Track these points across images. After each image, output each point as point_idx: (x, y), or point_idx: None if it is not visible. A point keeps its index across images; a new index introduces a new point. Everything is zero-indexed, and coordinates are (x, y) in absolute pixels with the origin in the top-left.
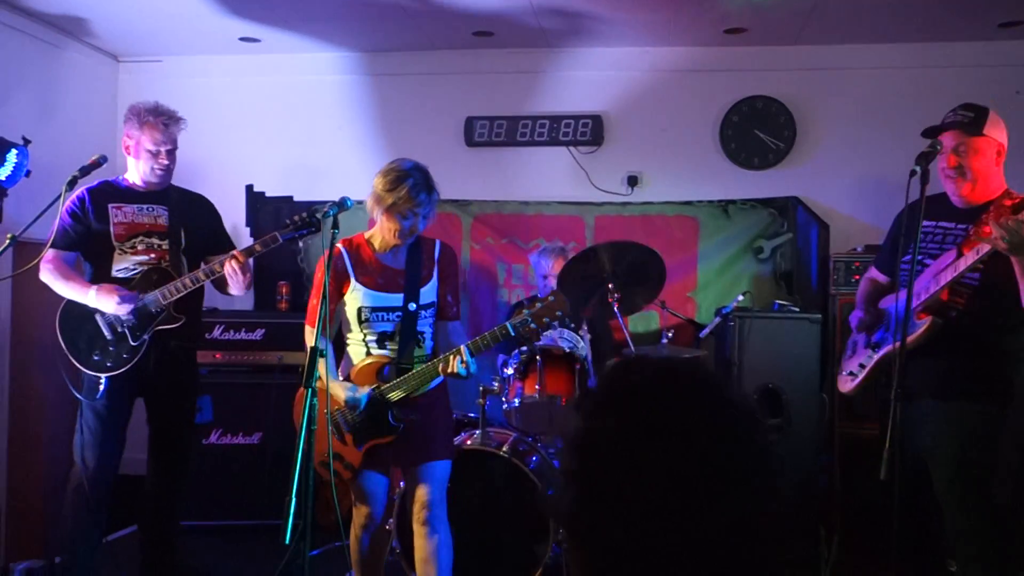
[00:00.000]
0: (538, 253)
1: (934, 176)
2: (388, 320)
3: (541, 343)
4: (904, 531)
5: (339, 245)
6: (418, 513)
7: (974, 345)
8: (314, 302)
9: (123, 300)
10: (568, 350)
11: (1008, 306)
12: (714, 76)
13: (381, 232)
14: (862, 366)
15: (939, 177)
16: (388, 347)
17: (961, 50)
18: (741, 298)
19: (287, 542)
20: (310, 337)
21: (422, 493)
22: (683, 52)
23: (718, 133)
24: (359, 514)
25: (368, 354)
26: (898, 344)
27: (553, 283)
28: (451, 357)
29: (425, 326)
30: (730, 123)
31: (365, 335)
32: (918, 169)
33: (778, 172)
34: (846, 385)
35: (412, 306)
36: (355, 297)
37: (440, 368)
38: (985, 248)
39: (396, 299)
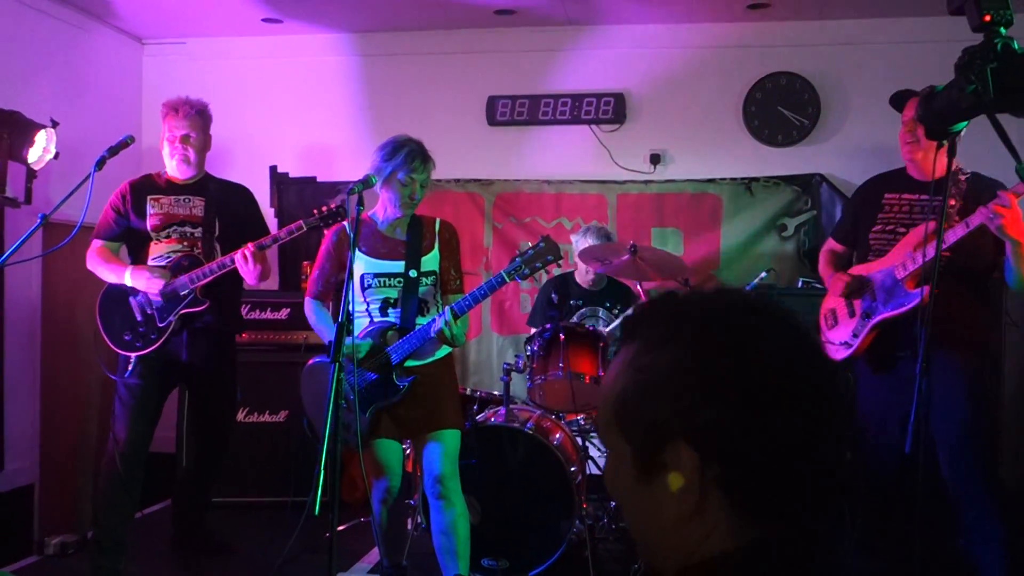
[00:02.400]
0: (579, 234)
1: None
2: (390, 286)
3: (566, 323)
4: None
5: (345, 222)
6: (431, 487)
7: (963, 304)
8: (315, 273)
9: (153, 277)
10: (591, 328)
11: (984, 272)
12: (737, 52)
13: (383, 206)
14: (855, 335)
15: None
16: (391, 314)
17: None
18: (764, 275)
19: (315, 513)
20: (308, 307)
21: (434, 466)
22: (706, 28)
23: (741, 110)
24: (375, 486)
25: (371, 322)
26: (897, 312)
27: (593, 278)
28: (438, 317)
29: (428, 295)
30: (753, 100)
31: (369, 303)
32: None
33: (802, 149)
34: (840, 354)
35: (413, 272)
36: (358, 266)
37: (432, 328)
38: (976, 221)
39: (398, 266)
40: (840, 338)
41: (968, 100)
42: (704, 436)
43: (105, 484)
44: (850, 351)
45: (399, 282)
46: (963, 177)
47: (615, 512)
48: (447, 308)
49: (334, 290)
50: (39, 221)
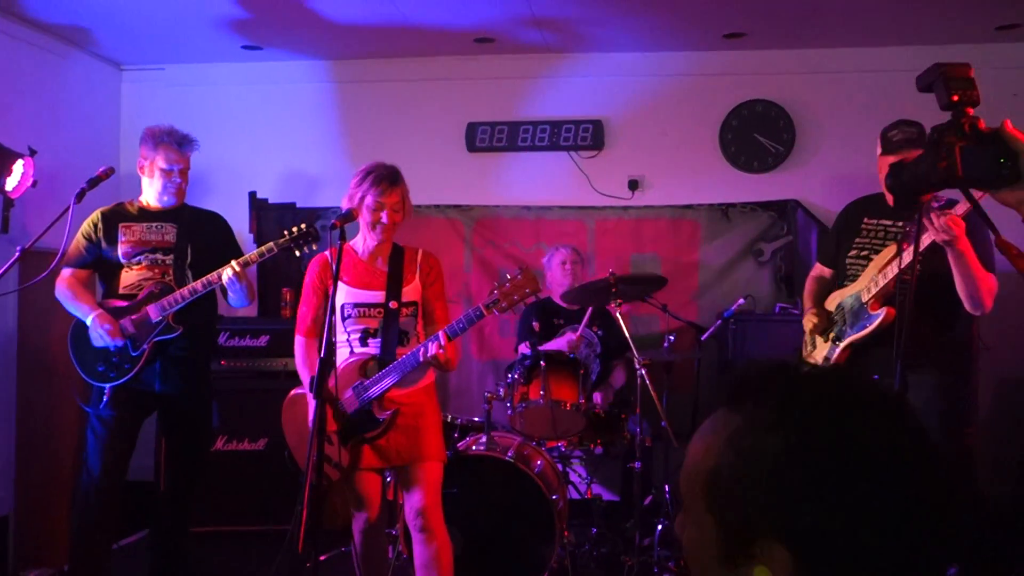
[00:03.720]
0: (547, 254)
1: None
2: (369, 316)
3: (544, 348)
4: None
5: (327, 253)
6: (413, 520)
7: (928, 325)
8: (303, 309)
9: (111, 334)
10: (571, 356)
11: (946, 294)
12: (714, 80)
13: (362, 236)
14: (827, 359)
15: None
16: (371, 344)
17: (959, 53)
18: (743, 302)
19: (299, 551)
20: (298, 346)
21: (415, 499)
22: (683, 57)
23: (718, 137)
24: (356, 518)
25: (352, 353)
26: (861, 334)
27: (570, 268)
28: (430, 343)
29: (409, 326)
30: (730, 127)
31: (349, 333)
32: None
33: (778, 175)
34: None
35: (393, 303)
36: (339, 296)
37: (421, 354)
38: (925, 242)
39: (377, 296)
40: (815, 361)
41: (939, 175)
42: (801, 539)
43: (79, 518)
44: None
45: (379, 312)
46: (936, 205)
47: (596, 539)
48: (440, 332)
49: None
50: (17, 253)
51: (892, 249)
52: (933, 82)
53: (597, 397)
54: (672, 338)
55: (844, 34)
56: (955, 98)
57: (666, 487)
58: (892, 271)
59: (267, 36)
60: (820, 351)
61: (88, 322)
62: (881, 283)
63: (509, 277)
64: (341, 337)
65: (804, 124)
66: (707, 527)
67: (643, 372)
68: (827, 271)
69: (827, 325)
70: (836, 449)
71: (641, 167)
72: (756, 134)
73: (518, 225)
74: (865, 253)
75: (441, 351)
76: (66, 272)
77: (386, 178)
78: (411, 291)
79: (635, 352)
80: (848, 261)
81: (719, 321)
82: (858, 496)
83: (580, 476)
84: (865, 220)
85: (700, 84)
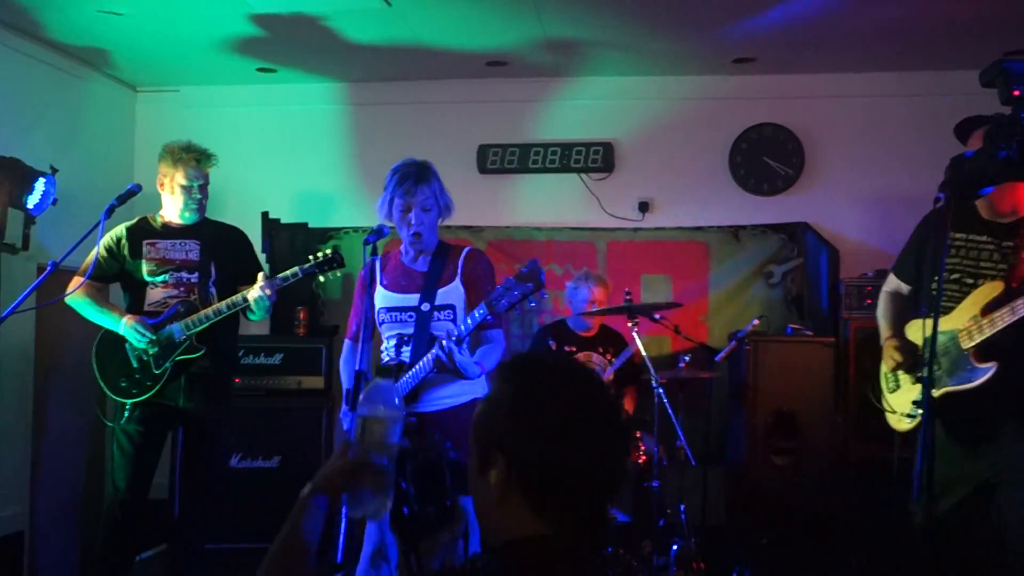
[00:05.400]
0: (574, 282)
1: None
2: (402, 321)
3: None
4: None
5: (377, 259)
6: None
7: None
8: (351, 314)
9: (145, 334)
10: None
11: None
12: (723, 104)
13: (401, 237)
14: (916, 403)
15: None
16: (403, 353)
17: (965, 77)
18: (756, 322)
19: (339, 561)
20: (343, 349)
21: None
22: (692, 81)
23: (727, 160)
24: (367, 540)
25: (383, 362)
26: (962, 387)
27: (596, 306)
28: (436, 346)
29: (444, 330)
30: (739, 150)
31: (386, 340)
32: (941, 197)
33: (787, 198)
34: (901, 425)
35: (426, 306)
36: (377, 301)
37: (431, 357)
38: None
39: (412, 299)
40: (902, 407)
41: (997, 167)
42: (510, 451)
43: (106, 532)
44: (913, 422)
45: (411, 317)
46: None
47: (610, 559)
48: (447, 332)
49: (373, 328)
50: (50, 268)
51: (998, 287)
52: (995, 77)
53: None
54: (687, 358)
55: (852, 59)
56: (1016, 93)
57: (681, 507)
58: (1004, 319)
59: (281, 59)
60: (907, 395)
61: (120, 327)
62: (988, 332)
63: (515, 274)
64: (383, 345)
65: (813, 147)
66: (472, 452)
67: (661, 391)
68: (905, 287)
69: (913, 362)
70: (530, 396)
71: (651, 189)
72: (765, 157)
73: (529, 246)
74: (957, 275)
75: (444, 354)
76: (81, 282)
77: (411, 176)
78: (449, 293)
79: (652, 371)
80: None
81: (733, 342)
82: (540, 426)
83: None
84: (954, 235)
85: (710, 108)
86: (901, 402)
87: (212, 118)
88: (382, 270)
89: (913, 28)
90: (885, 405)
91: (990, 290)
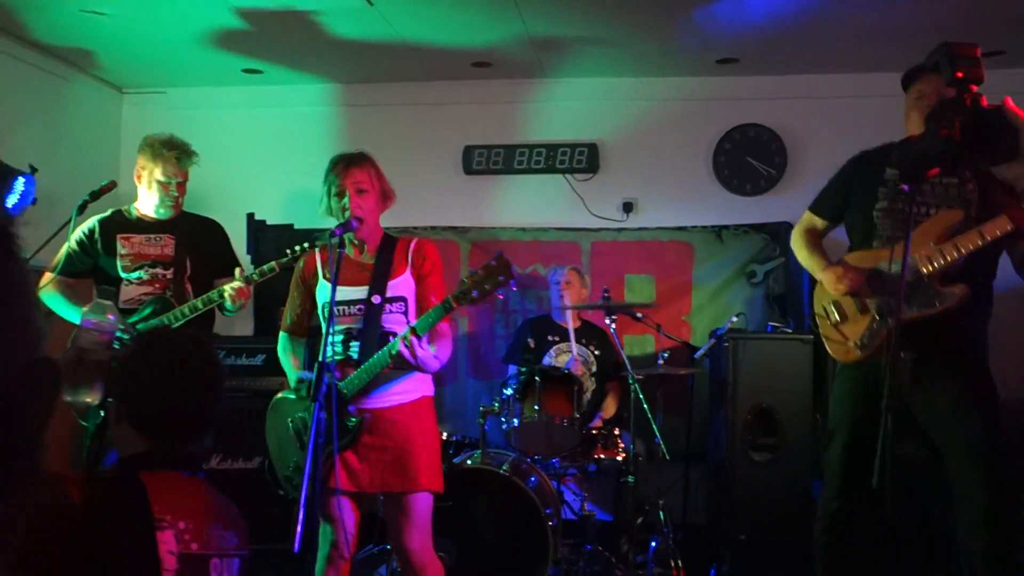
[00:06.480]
0: (550, 275)
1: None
2: (350, 315)
3: (540, 365)
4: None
5: (315, 252)
6: (399, 556)
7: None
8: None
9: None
10: (566, 371)
11: (987, 279)
12: (707, 105)
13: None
14: (873, 335)
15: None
16: (352, 348)
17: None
18: (735, 319)
19: (296, 550)
20: (279, 342)
21: (399, 537)
22: (676, 82)
23: (711, 160)
24: (322, 540)
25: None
26: (926, 313)
27: (562, 289)
28: (398, 339)
29: (396, 324)
30: (723, 150)
31: (333, 337)
32: (906, 188)
33: (770, 198)
34: (851, 355)
35: (376, 299)
36: (319, 295)
37: (389, 355)
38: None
39: (361, 292)
40: (853, 337)
41: (939, 146)
42: (122, 393)
43: None
44: (866, 352)
45: (360, 310)
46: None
47: (590, 556)
48: (408, 326)
49: (308, 322)
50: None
51: (956, 214)
52: (939, 60)
53: (597, 422)
54: (666, 355)
55: (835, 60)
56: (959, 75)
57: (660, 503)
58: (972, 243)
59: (266, 54)
60: (859, 325)
61: None
62: (952, 256)
63: (482, 265)
64: (328, 341)
65: (796, 148)
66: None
67: (637, 387)
68: (822, 223)
69: (876, 282)
70: (138, 356)
71: (635, 190)
72: (749, 157)
73: (514, 247)
74: (900, 206)
75: (406, 349)
76: (53, 277)
77: (343, 159)
78: (400, 284)
79: (628, 367)
80: (878, 216)
81: (712, 339)
82: (138, 376)
83: (575, 494)
84: (889, 171)
85: (693, 109)
86: (852, 331)
87: (198, 120)
88: (322, 263)
89: (896, 29)
90: (832, 335)
91: (948, 218)
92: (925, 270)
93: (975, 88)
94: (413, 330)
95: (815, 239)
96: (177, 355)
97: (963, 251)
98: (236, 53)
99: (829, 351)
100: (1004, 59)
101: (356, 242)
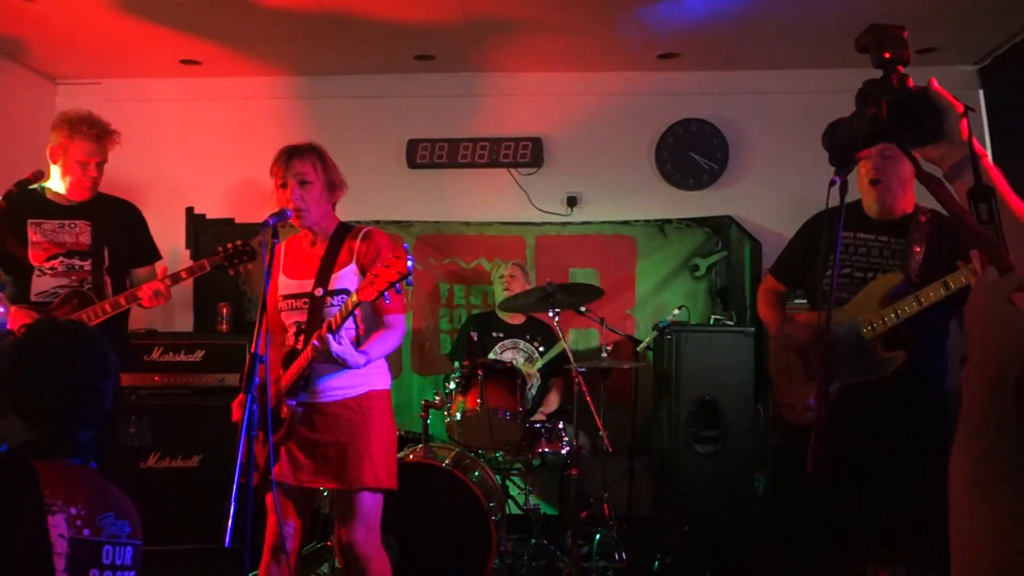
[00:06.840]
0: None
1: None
2: (297, 309)
3: (485, 360)
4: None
5: (281, 243)
6: (342, 551)
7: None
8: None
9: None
10: (509, 365)
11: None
12: (649, 100)
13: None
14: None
15: (858, 186)
16: (300, 341)
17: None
18: (677, 312)
19: (227, 545)
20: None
21: (344, 532)
22: (618, 76)
23: (654, 155)
24: (269, 531)
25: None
26: (866, 378)
27: (506, 283)
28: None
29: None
30: (665, 145)
31: (287, 329)
32: (836, 180)
33: (712, 192)
34: (802, 418)
35: (319, 291)
36: (278, 288)
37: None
38: (960, 283)
39: (307, 285)
40: (800, 401)
41: (866, 127)
42: (6, 384)
43: None
44: (811, 416)
45: (305, 303)
46: (923, 218)
47: (534, 549)
48: (327, 322)
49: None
50: None
51: (896, 278)
52: (868, 42)
53: (541, 417)
54: (609, 348)
55: (776, 57)
56: (887, 55)
57: (604, 496)
58: (910, 308)
59: (205, 51)
60: (801, 388)
61: None
62: (893, 322)
63: (384, 262)
64: (287, 333)
65: (737, 143)
66: None
67: (580, 380)
68: (782, 287)
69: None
70: (21, 348)
71: (579, 184)
72: (691, 152)
73: (459, 241)
74: (847, 270)
75: (319, 343)
76: None
77: (286, 151)
78: (344, 277)
79: (572, 360)
80: (827, 284)
81: (655, 332)
82: (22, 368)
83: (519, 488)
84: (844, 233)
85: (636, 103)
86: (799, 396)
87: (135, 112)
88: (284, 255)
89: (835, 26)
90: (780, 399)
91: (888, 281)
92: (866, 332)
93: (901, 68)
94: (329, 326)
95: (775, 299)
96: (62, 344)
97: (901, 316)
98: (173, 41)
99: (784, 417)
100: (937, 56)
101: (312, 233)
